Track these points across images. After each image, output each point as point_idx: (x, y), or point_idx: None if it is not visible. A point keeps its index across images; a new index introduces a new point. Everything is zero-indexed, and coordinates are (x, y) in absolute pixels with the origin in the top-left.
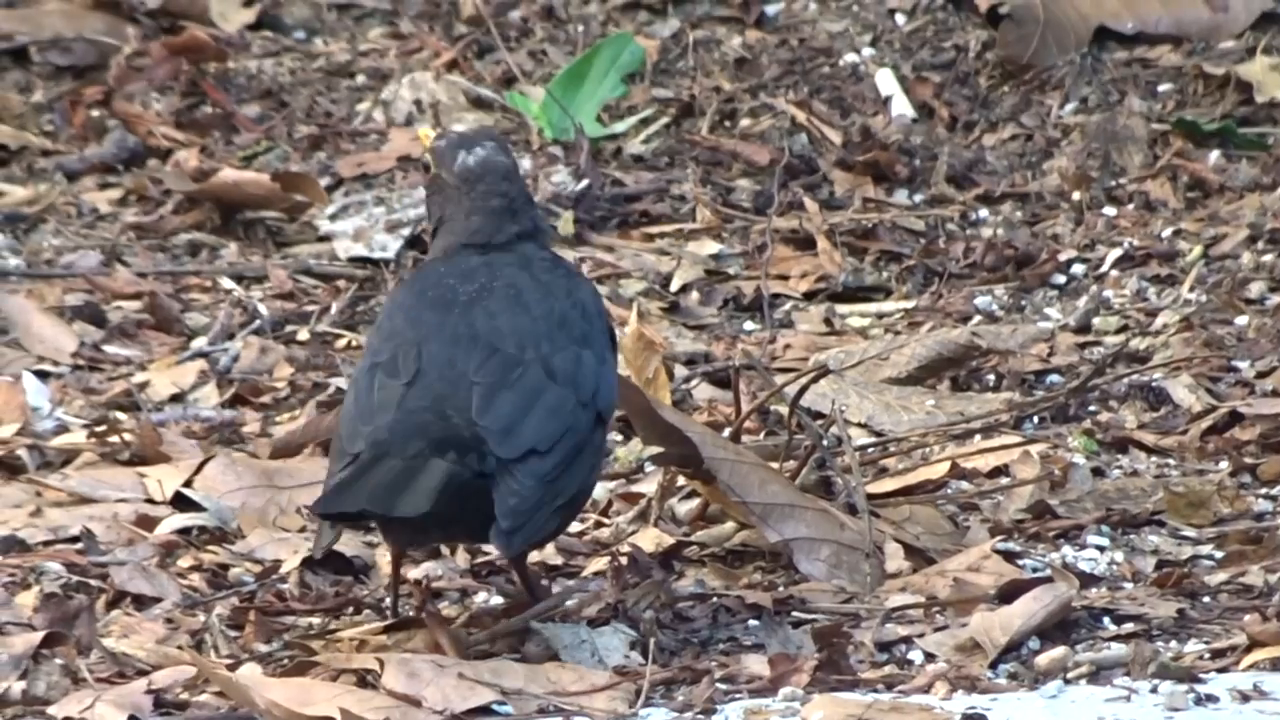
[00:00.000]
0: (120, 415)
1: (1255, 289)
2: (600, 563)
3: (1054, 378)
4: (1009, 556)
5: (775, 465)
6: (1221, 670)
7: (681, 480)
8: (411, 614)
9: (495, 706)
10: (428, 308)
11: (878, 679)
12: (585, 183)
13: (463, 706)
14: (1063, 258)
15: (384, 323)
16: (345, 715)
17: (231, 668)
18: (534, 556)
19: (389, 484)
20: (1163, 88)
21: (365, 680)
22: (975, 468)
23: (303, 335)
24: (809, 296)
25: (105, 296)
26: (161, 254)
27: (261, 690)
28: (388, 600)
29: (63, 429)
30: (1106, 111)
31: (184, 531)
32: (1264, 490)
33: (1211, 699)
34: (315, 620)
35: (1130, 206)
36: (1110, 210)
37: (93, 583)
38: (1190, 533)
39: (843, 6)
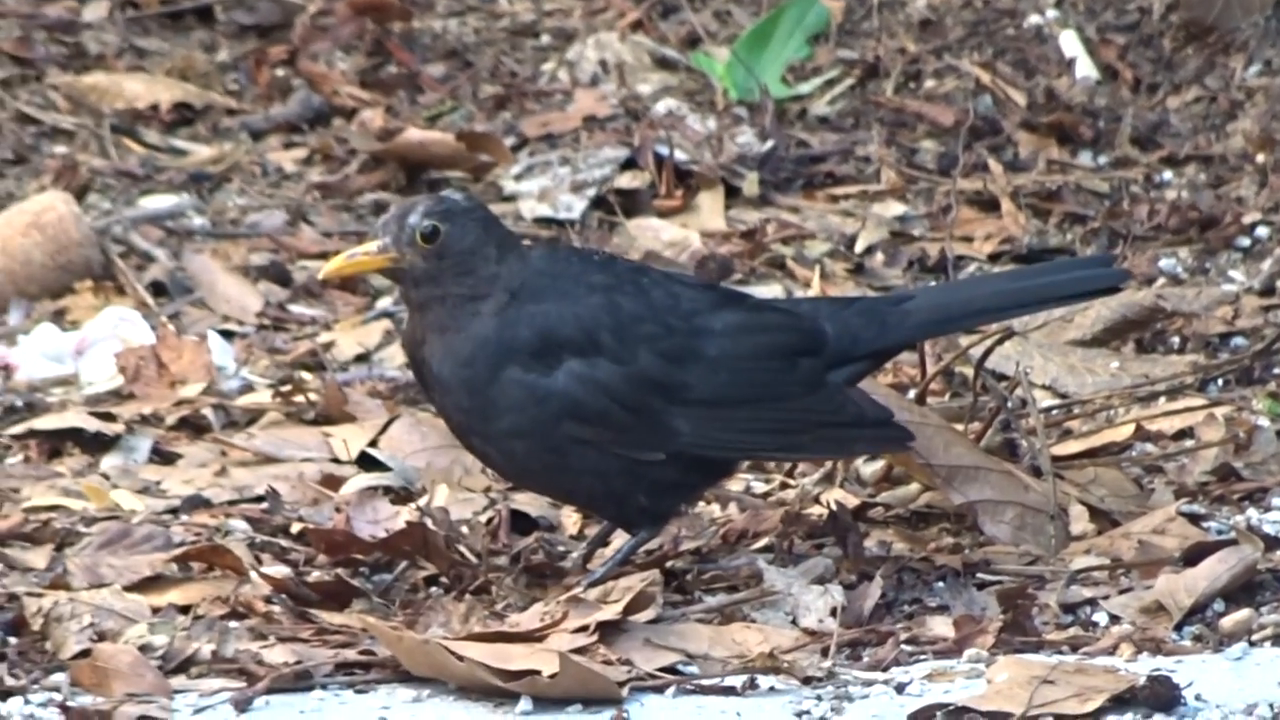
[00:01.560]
0: (305, 375)
1: None
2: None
3: (1238, 340)
4: (1194, 519)
5: (960, 427)
6: None
7: None
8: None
9: (680, 666)
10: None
11: (1062, 641)
12: (770, 144)
13: (648, 667)
14: (1247, 220)
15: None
16: (565, 661)
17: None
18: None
19: None
20: None
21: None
22: (1160, 430)
23: None
24: (993, 258)
25: (290, 256)
26: (346, 214)
27: (457, 650)
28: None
29: (248, 388)
30: None
31: (369, 491)
32: None
33: None
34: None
35: None
36: None
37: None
38: None
39: None
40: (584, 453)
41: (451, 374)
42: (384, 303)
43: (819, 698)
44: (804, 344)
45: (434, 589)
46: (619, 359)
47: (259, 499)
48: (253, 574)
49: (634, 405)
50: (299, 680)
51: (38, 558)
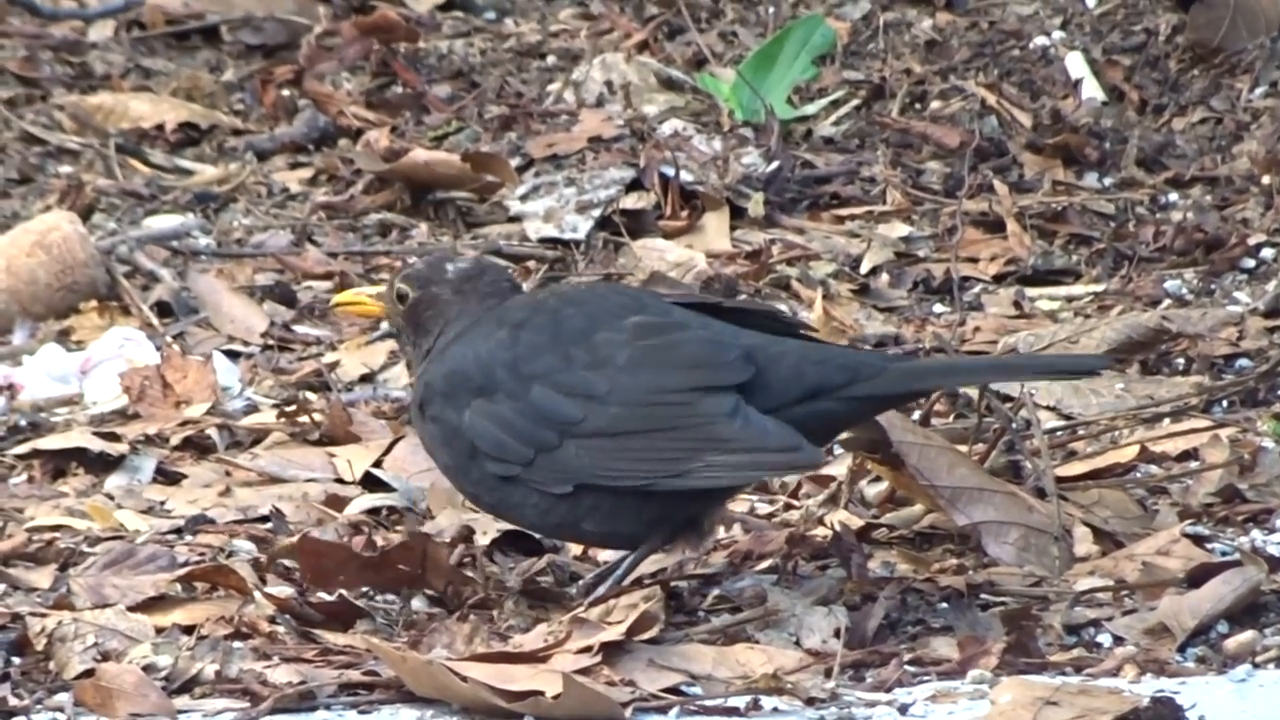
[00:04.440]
0: (310, 395)
1: None
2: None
3: (1243, 362)
4: (1198, 540)
5: (964, 449)
6: None
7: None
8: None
9: (684, 687)
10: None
11: (1066, 662)
12: (776, 164)
13: (652, 688)
14: (1252, 241)
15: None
16: (568, 681)
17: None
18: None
19: None
20: None
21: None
22: (1164, 451)
23: None
24: (998, 279)
25: (295, 276)
26: (352, 234)
27: (461, 671)
28: (602, 589)
29: (252, 409)
30: None
31: (373, 511)
32: None
33: None
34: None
35: None
36: None
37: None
38: None
39: None
40: (511, 490)
41: (411, 417)
42: (388, 324)
43: (822, 719)
44: (711, 378)
45: (437, 610)
46: (513, 395)
47: (263, 519)
48: (256, 594)
49: (532, 440)
50: (303, 700)
51: (42, 578)
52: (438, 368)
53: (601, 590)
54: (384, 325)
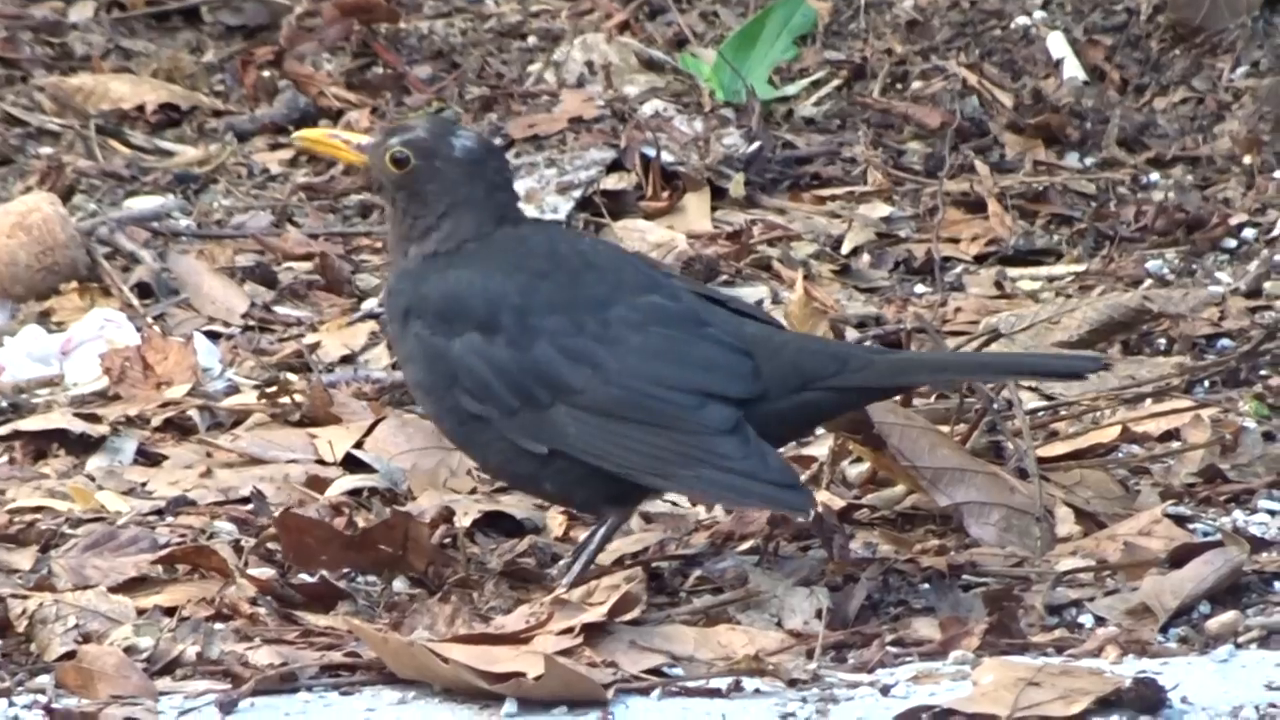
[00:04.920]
0: (291, 376)
1: None
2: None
3: (1225, 342)
4: (1180, 521)
5: (946, 429)
6: None
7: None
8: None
9: (665, 668)
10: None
11: (1048, 643)
12: (756, 145)
13: (634, 669)
14: (1234, 221)
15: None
16: (550, 663)
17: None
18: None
19: None
20: None
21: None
22: (1146, 432)
23: None
24: (980, 259)
25: (276, 257)
26: (332, 215)
27: (442, 653)
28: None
29: (233, 390)
30: (1277, 75)
31: (354, 493)
32: None
33: None
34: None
35: None
36: None
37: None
38: None
39: None
40: (480, 429)
41: (383, 304)
42: (370, 304)
43: (804, 700)
44: (720, 386)
45: (418, 590)
46: (515, 343)
47: (244, 500)
48: (238, 576)
49: (521, 392)
50: (284, 682)
51: (23, 559)
52: (437, 283)
53: (576, 569)
54: (365, 306)
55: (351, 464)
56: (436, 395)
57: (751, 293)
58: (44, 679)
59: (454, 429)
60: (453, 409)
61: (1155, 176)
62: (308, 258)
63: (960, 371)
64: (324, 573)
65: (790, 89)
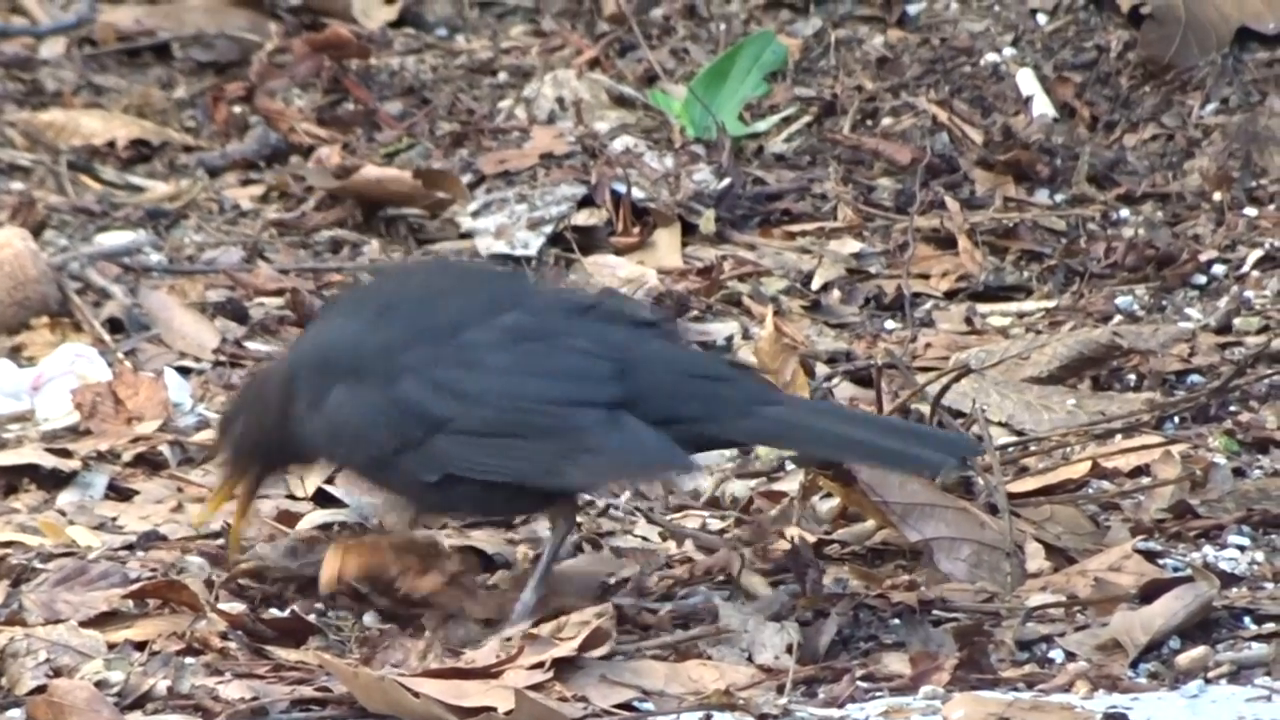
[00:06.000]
0: None
1: None
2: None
3: (1195, 378)
4: (1150, 556)
5: None
6: None
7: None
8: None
9: (636, 703)
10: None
11: (1018, 678)
12: (727, 181)
13: (604, 704)
14: (1204, 258)
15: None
16: (520, 697)
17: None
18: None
19: None
20: None
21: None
22: (1116, 467)
23: None
24: (950, 295)
25: (247, 293)
26: (303, 250)
27: (413, 687)
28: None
29: (204, 425)
30: (1248, 112)
31: (325, 527)
32: None
33: None
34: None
35: (1271, 207)
36: (1251, 211)
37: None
38: None
39: (984, 6)
40: (383, 469)
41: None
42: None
43: None
44: (584, 392)
45: (389, 625)
46: (383, 382)
47: (215, 535)
48: (209, 610)
49: (398, 432)
50: (255, 716)
51: None
52: (307, 342)
53: (529, 597)
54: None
55: (322, 499)
56: (337, 446)
57: (722, 328)
58: (15, 713)
59: (365, 472)
60: (353, 457)
61: (1125, 213)
62: (279, 293)
63: (832, 447)
64: (294, 608)
65: (761, 125)
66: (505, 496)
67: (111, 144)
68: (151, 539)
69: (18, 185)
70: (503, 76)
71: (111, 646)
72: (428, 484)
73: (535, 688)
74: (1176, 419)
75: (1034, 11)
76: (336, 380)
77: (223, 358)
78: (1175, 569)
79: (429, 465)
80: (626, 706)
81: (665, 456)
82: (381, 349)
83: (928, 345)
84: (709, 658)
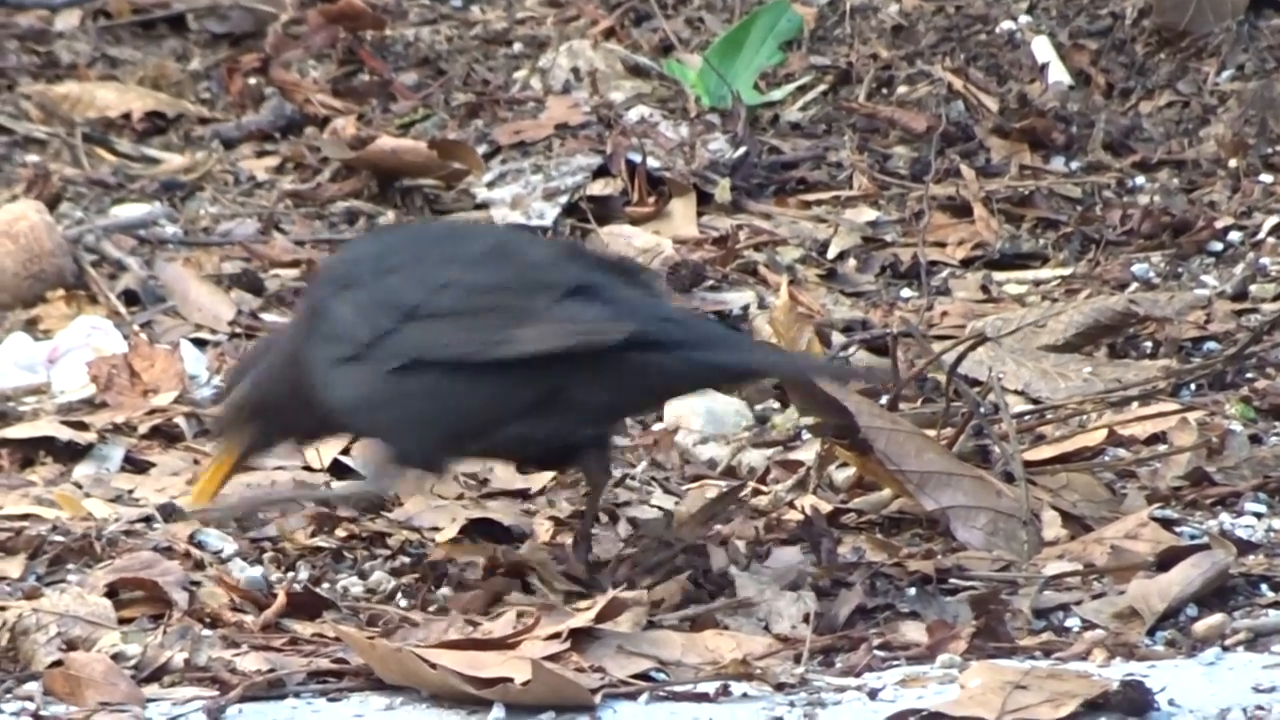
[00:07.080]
0: None
1: None
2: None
3: (1211, 345)
4: (1166, 524)
5: (932, 433)
6: None
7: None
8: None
9: (653, 673)
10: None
11: (1035, 646)
12: (742, 150)
13: (621, 674)
14: (1219, 225)
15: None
16: (537, 668)
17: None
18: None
19: None
20: None
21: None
22: (1132, 435)
23: None
24: (966, 264)
25: (263, 264)
26: (319, 222)
27: (430, 658)
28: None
29: (220, 396)
30: (1263, 78)
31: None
32: None
33: None
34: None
35: None
36: (1267, 177)
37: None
38: None
39: None
40: (345, 372)
41: None
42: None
43: (792, 704)
44: (545, 277)
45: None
46: (370, 284)
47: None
48: (224, 583)
49: (372, 323)
50: (272, 688)
51: (12, 567)
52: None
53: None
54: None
55: (338, 470)
56: (330, 345)
57: (738, 298)
58: (32, 686)
59: (327, 389)
60: (321, 367)
61: (1141, 180)
62: (294, 265)
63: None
64: (306, 581)
65: (776, 94)
66: (464, 388)
67: (127, 116)
68: (169, 512)
69: (33, 158)
70: (518, 47)
71: (127, 621)
72: (389, 375)
73: (552, 658)
74: (1193, 386)
75: None
76: (332, 293)
77: (238, 330)
78: (1192, 536)
79: (395, 353)
80: (643, 676)
81: (609, 324)
82: (373, 261)
83: (944, 313)
84: (726, 627)
